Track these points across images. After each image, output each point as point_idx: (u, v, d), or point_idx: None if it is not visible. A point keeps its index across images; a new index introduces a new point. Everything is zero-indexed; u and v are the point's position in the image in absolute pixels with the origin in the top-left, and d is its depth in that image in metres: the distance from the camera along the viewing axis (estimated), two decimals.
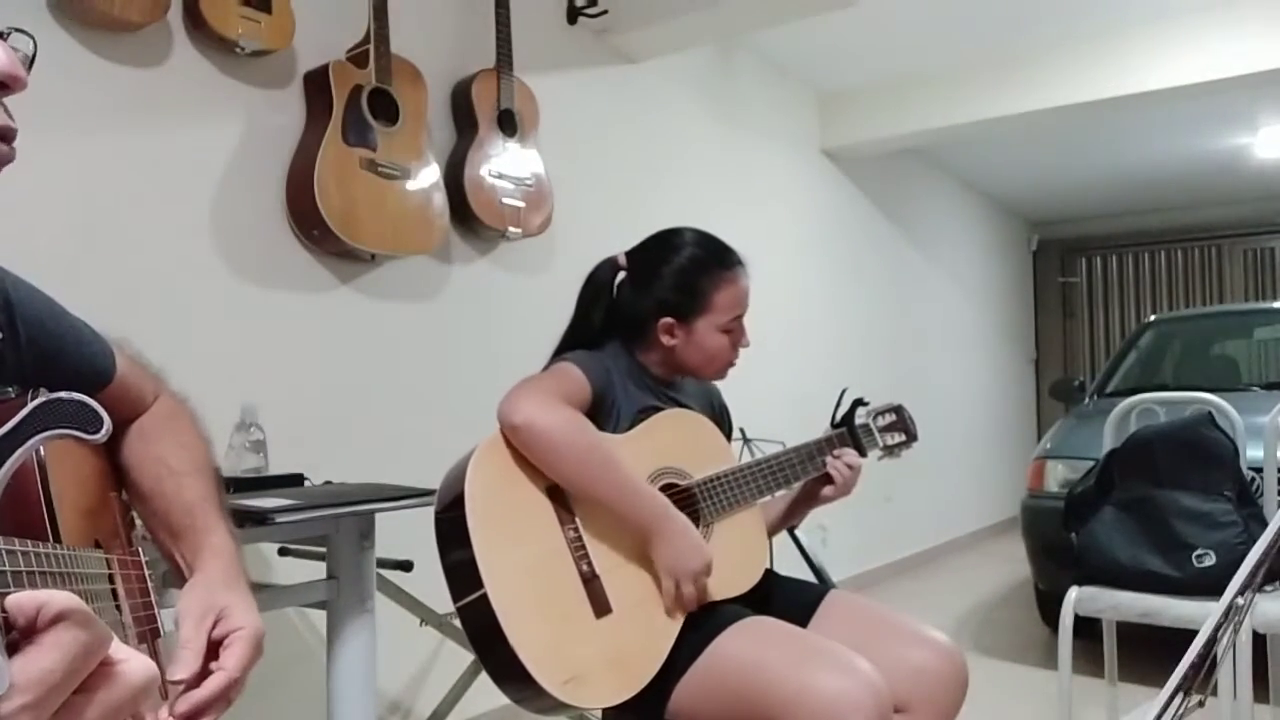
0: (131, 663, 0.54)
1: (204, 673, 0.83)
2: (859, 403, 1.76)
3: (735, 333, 1.61)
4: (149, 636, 0.88)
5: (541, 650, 1.32)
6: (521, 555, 1.37)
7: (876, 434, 1.76)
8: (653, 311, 1.59)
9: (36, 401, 0.54)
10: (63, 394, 0.56)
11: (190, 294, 2.17)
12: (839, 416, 1.74)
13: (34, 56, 0.77)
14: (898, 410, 1.80)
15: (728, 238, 1.69)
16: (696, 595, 1.44)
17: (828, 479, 1.66)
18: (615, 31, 3.30)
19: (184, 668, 0.82)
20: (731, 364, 1.65)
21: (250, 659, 0.86)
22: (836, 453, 1.66)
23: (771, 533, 1.72)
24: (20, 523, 0.68)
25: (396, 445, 2.56)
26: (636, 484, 1.44)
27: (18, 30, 0.76)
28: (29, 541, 0.61)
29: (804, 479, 1.66)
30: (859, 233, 5.21)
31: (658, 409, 1.58)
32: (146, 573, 0.91)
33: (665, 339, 1.59)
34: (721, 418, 1.77)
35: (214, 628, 0.86)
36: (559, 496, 1.43)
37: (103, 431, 0.57)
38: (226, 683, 0.83)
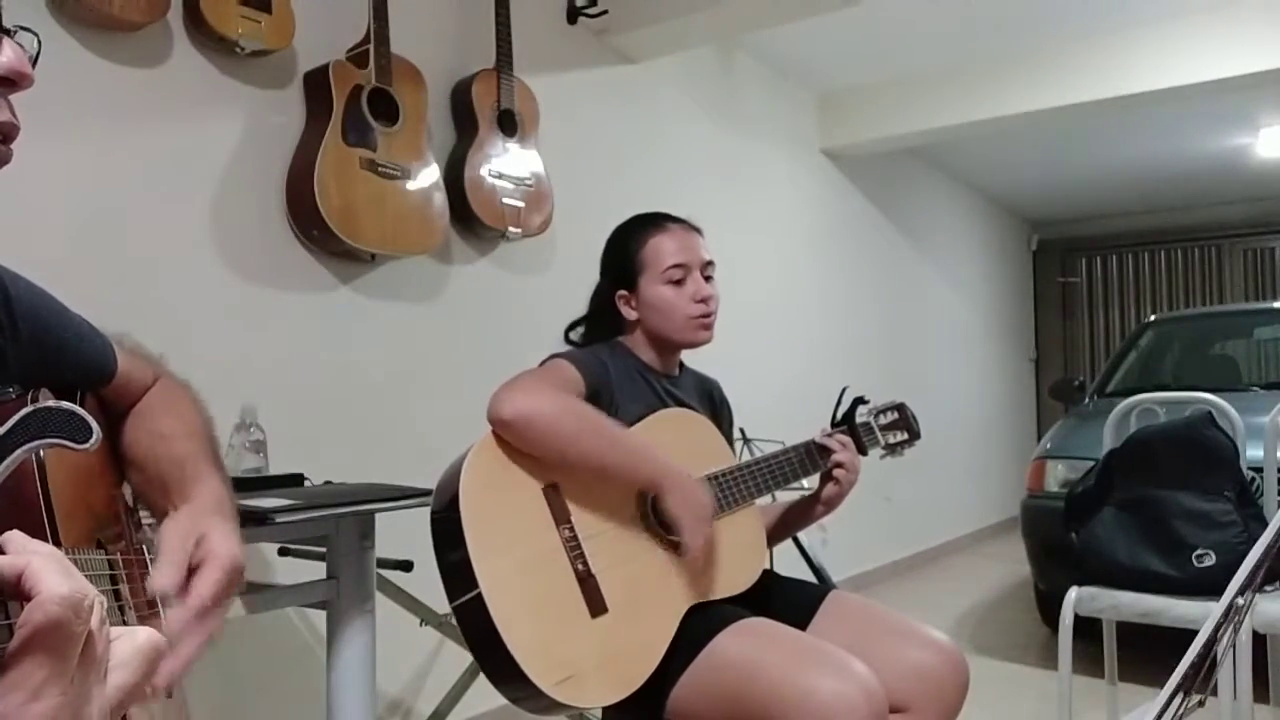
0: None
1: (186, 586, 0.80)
2: (859, 401, 1.75)
3: (685, 284, 1.60)
4: None
5: (536, 650, 1.32)
6: (516, 555, 1.37)
7: (878, 432, 1.75)
8: (609, 293, 1.65)
9: (24, 411, 0.54)
10: (51, 403, 0.56)
11: (190, 294, 2.17)
12: (839, 415, 1.74)
13: (38, 54, 0.77)
14: (899, 408, 1.79)
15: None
16: (703, 544, 1.46)
17: (825, 481, 1.66)
18: (615, 31, 3.30)
19: (165, 577, 0.79)
20: (698, 317, 1.61)
21: (223, 585, 0.82)
22: (835, 440, 1.66)
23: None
24: (18, 527, 0.68)
25: (396, 445, 2.56)
26: (641, 446, 1.46)
27: (23, 28, 0.76)
28: None
29: (803, 477, 1.66)
30: (859, 232, 5.21)
31: (659, 408, 1.58)
32: (151, 569, 0.91)
33: (628, 313, 1.63)
34: (721, 409, 1.78)
35: (195, 550, 0.83)
36: (554, 496, 1.43)
37: (92, 440, 0.56)
38: (194, 610, 0.79)
